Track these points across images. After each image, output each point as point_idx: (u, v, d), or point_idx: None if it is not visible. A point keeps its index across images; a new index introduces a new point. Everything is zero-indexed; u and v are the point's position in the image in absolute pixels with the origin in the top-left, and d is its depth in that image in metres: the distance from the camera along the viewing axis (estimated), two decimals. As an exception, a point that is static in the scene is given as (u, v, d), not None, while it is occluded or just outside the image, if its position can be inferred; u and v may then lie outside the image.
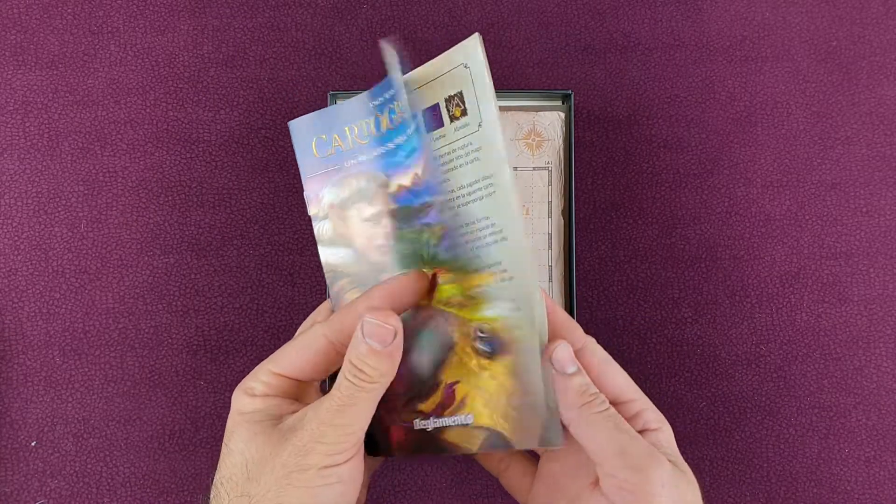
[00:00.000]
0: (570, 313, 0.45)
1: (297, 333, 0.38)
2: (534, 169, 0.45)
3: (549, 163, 0.45)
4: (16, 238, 0.48)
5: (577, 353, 0.35)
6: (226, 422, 0.34)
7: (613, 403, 0.35)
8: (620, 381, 0.36)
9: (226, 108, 0.49)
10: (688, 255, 0.49)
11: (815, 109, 0.50)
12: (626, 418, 0.34)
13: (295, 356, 0.35)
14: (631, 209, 0.49)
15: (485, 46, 0.33)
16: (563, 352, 0.33)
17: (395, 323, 0.32)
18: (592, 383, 0.34)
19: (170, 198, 0.48)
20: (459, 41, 0.34)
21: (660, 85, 0.50)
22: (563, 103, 0.46)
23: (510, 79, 0.49)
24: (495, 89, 0.34)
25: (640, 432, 0.35)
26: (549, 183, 0.45)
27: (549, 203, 0.45)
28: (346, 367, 0.32)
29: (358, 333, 0.32)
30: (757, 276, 0.49)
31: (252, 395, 0.34)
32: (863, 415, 0.48)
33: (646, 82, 0.50)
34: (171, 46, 0.49)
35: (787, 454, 0.48)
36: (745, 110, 0.50)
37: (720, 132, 0.50)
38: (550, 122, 0.45)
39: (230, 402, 0.35)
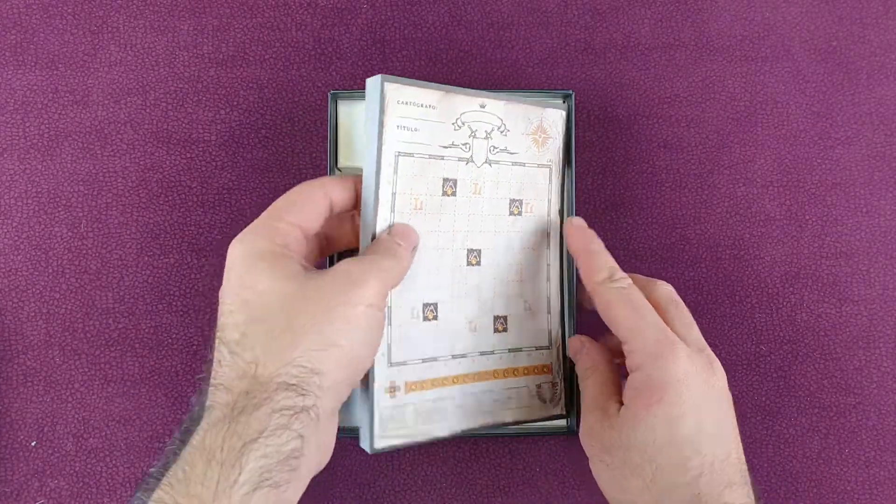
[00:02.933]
0: (570, 313, 0.45)
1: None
2: (538, 166, 0.45)
3: (550, 161, 0.45)
4: (16, 238, 0.48)
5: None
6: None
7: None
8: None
9: (226, 108, 0.49)
10: (688, 255, 0.49)
11: (815, 109, 0.50)
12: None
13: (309, 211, 0.37)
14: (631, 209, 0.49)
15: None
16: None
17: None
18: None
19: (170, 198, 0.48)
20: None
21: (660, 85, 0.50)
22: (563, 103, 0.46)
23: (510, 79, 0.49)
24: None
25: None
26: (550, 181, 0.45)
27: (549, 202, 0.45)
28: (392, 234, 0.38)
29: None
30: (757, 276, 0.49)
31: (283, 241, 0.35)
32: (863, 415, 0.48)
33: (646, 82, 0.50)
34: (171, 46, 0.49)
35: (787, 454, 0.48)
36: (745, 110, 0.50)
37: (720, 132, 0.50)
38: (554, 119, 0.45)
39: None
